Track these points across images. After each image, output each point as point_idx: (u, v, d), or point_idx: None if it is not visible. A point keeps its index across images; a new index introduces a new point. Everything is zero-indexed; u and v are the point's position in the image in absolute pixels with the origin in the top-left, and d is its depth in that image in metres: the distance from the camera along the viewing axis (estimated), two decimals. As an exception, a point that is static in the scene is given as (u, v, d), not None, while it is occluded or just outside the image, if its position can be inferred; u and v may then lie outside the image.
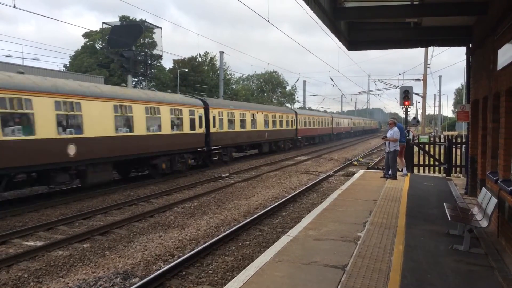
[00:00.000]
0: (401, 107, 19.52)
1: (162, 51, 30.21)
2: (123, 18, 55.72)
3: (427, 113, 43.02)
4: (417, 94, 35.39)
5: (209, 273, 7.99)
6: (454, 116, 76.44)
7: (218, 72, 49.63)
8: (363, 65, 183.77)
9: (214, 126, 24.33)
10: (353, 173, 19.95)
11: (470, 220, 7.70)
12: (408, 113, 20.44)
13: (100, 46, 55.50)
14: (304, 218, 9.58)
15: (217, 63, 57.39)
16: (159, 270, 7.85)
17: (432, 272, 6.17)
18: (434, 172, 18.26)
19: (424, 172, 18.20)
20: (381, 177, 15.82)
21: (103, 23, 29.65)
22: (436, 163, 18.35)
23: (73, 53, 58.75)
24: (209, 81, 61.24)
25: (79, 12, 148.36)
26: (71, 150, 14.35)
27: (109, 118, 16.31)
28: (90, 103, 15.40)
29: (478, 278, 6.06)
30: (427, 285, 5.69)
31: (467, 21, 11.86)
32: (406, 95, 18.32)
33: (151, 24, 30.12)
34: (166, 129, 19.81)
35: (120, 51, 26.15)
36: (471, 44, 12.96)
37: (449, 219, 7.80)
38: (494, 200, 7.25)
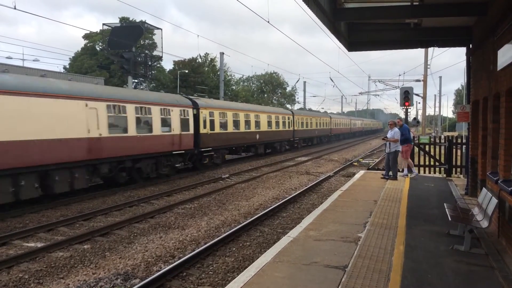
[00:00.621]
0: (401, 107, 19.54)
1: (162, 52, 30.22)
2: (123, 20, 55.74)
3: (427, 114, 43.06)
4: (417, 94, 35.39)
5: (209, 274, 7.99)
6: (454, 117, 76.47)
7: (218, 73, 49.64)
8: (364, 65, 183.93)
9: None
10: (354, 174, 19.96)
11: (470, 221, 7.71)
12: (409, 113, 20.45)
13: (100, 47, 55.58)
14: (305, 219, 9.59)
15: (217, 64, 57.40)
16: (160, 271, 7.86)
17: (433, 272, 6.17)
18: (435, 172, 18.26)
19: (424, 172, 18.19)
20: (382, 178, 15.82)
21: (103, 24, 29.73)
22: (437, 163, 18.35)
23: (73, 55, 58.81)
24: (209, 82, 61.27)
25: (80, 13, 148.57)
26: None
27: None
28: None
29: (479, 279, 6.06)
30: (428, 286, 5.69)
31: (467, 21, 11.87)
32: (406, 96, 18.34)
33: (151, 25, 30.14)
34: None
35: (120, 53, 26.15)
36: (471, 45, 12.96)
37: (450, 219, 7.80)
38: (494, 201, 7.25)
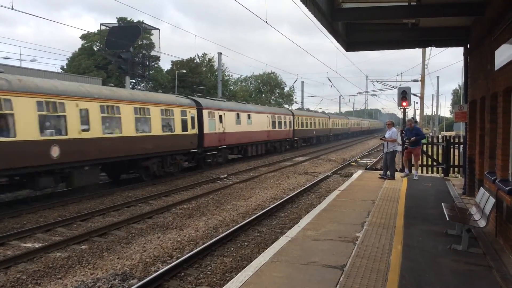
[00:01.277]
0: (399, 107, 19.56)
1: (160, 52, 30.24)
2: (120, 20, 55.66)
3: (425, 114, 43.00)
4: (415, 94, 35.48)
5: (207, 274, 7.99)
6: (451, 117, 76.56)
7: (216, 73, 49.61)
8: (362, 65, 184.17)
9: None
10: (352, 174, 19.97)
11: (468, 220, 7.72)
12: (406, 113, 20.48)
13: (98, 47, 55.45)
14: (303, 219, 9.59)
15: (215, 64, 57.38)
16: (158, 271, 7.85)
17: (431, 272, 6.18)
18: (432, 172, 18.30)
19: (422, 172, 18.21)
20: (379, 178, 15.84)
21: (101, 24, 29.65)
22: (434, 163, 18.38)
23: (71, 55, 58.68)
24: (207, 83, 61.20)
25: (78, 13, 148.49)
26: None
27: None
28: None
29: (476, 278, 6.07)
30: (426, 285, 5.70)
31: (465, 21, 11.89)
32: (404, 96, 18.35)
33: (148, 25, 30.18)
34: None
35: (118, 53, 26.13)
36: (468, 45, 12.99)
37: (447, 219, 7.81)
38: (492, 200, 7.27)
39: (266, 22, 18.83)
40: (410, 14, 10.81)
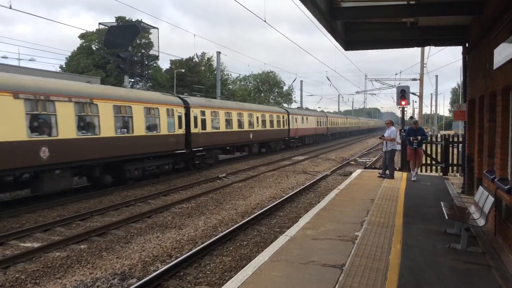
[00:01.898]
0: (398, 106, 19.57)
1: (158, 51, 30.15)
2: (119, 19, 55.60)
3: (423, 113, 42.99)
4: (413, 93, 35.47)
5: (207, 273, 7.99)
6: (450, 116, 76.66)
7: (215, 72, 49.57)
8: (361, 64, 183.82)
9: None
10: (351, 173, 19.98)
11: (467, 219, 7.73)
12: (405, 112, 20.49)
13: (96, 47, 55.40)
14: (302, 218, 9.59)
15: (214, 64, 57.36)
16: (157, 270, 7.85)
17: (430, 271, 6.18)
18: (431, 171, 18.30)
19: (421, 171, 18.21)
20: (378, 177, 15.85)
21: (100, 23, 29.63)
22: (433, 162, 18.40)
23: (70, 54, 58.63)
24: (206, 82, 61.22)
25: (77, 12, 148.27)
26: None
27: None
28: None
29: (476, 277, 6.08)
30: (425, 284, 5.70)
31: (463, 20, 11.89)
32: (402, 95, 18.36)
33: (147, 24, 30.13)
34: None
35: (116, 52, 26.09)
36: (467, 44, 13.00)
37: (446, 218, 7.81)
38: (491, 199, 7.27)
39: (265, 21, 18.83)
40: (409, 13, 10.81)
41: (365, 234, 8.02)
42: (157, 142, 19.49)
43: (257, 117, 32.70)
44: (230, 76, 76.11)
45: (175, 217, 12.63)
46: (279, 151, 37.19)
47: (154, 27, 30.42)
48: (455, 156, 17.90)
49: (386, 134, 15.59)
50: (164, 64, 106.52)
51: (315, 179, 19.92)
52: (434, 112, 74.36)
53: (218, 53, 40.38)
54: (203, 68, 65.73)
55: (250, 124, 31.26)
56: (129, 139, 17.66)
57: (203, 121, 23.89)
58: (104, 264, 8.53)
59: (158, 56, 31.62)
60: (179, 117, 21.46)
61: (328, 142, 54.37)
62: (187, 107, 22.42)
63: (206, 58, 67.38)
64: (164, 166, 20.39)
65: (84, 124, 15.72)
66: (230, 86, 75.45)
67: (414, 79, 37.66)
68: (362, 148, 45.10)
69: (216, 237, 9.95)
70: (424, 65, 33.80)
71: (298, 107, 64.93)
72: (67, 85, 15.71)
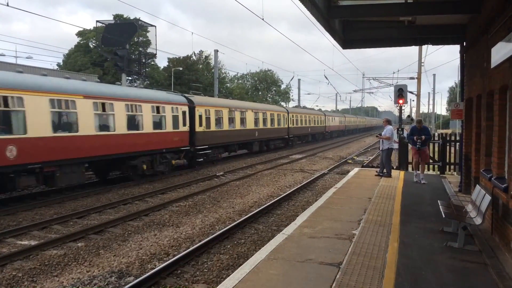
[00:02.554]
0: (395, 105, 19.60)
1: (156, 49, 30.12)
2: (117, 17, 55.47)
3: (421, 111, 43.16)
4: (411, 92, 35.44)
5: (204, 271, 7.99)
6: (448, 114, 76.83)
7: (213, 70, 49.53)
8: (359, 63, 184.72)
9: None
10: (348, 171, 19.99)
11: (464, 218, 7.75)
12: (403, 111, 20.51)
13: (94, 44, 55.28)
14: (299, 216, 9.60)
15: (212, 62, 57.28)
16: (154, 268, 7.85)
17: (427, 269, 6.20)
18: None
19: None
20: (376, 175, 15.88)
21: (97, 21, 29.48)
22: (430, 161, 18.42)
23: (67, 52, 58.46)
24: (204, 80, 61.14)
25: (74, 10, 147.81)
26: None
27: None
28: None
29: (472, 275, 6.10)
30: (422, 282, 5.72)
31: (461, 19, 11.91)
32: (400, 94, 18.39)
33: (145, 22, 30.09)
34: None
35: (114, 50, 26.02)
36: (465, 43, 13.01)
37: (443, 216, 7.84)
38: (488, 198, 7.30)
39: (263, 19, 18.81)
40: (406, 12, 10.83)
41: (362, 233, 8.03)
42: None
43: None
44: (228, 75, 76.10)
45: (172, 215, 12.62)
46: (278, 149, 37.31)
47: (151, 25, 30.39)
48: (452, 155, 17.94)
49: (383, 133, 15.63)
50: (161, 62, 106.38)
51: (313, 178, 19.93)
52: (432, 111, 74.52)
53: (216, 51, 40.36)
54: (200, 66, 65.63)
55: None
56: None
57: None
58: (102, 262, 8.53)
59: (156, 54, 31.60)
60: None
61: (326, 141, 54.42)
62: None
63: (204, 56, 67.29)
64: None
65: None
66: (228, 85, 75.37)
67: (412, 78, 37.69)
68: (360, 147, 45.14)
69: (214, 235, 9.95)
70: (422, 64, 33.83)
71: (295, 106, 64.96)
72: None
